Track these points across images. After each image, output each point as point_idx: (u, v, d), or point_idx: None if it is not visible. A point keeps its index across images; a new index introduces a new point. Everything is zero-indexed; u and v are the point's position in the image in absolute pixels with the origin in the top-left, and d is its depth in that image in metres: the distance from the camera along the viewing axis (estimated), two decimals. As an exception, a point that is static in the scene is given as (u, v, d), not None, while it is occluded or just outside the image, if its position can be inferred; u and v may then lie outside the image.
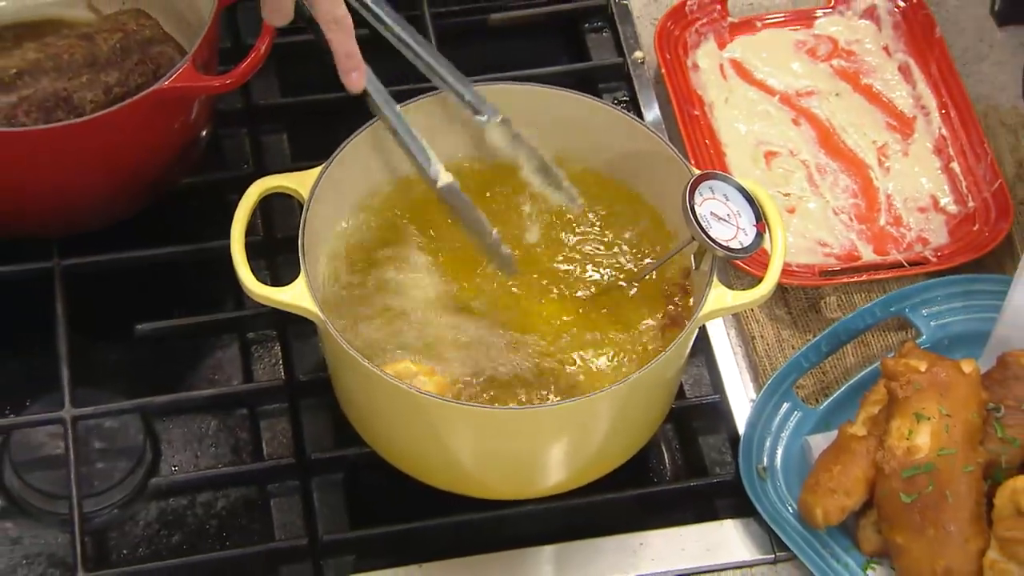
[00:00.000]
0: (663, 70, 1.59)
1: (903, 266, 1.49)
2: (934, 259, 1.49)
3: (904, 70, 1.63)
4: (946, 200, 1.55)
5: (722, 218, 1.28)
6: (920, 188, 1.56)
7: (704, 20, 1.64)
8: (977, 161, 1.55)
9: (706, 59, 1.63)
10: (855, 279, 1.48)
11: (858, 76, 1.63)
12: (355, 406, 1.35)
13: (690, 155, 1.53)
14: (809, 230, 1.53)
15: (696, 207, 1.27)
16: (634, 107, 1.61)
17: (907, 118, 1.60)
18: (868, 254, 1.52)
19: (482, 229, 1.32)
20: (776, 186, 1.55)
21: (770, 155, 1.58)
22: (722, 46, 1.64)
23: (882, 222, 1.54)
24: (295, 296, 1.25)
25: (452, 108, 1.37)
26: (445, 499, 1.34)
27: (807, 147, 1.59)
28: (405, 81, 1.55)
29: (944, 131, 1.58)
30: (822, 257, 1.51)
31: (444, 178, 1.31)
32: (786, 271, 1.46)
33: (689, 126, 1.56)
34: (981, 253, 1.48)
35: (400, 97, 1.36)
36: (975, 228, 1.51)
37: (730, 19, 1.65)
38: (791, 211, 1.53)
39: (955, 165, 1.56)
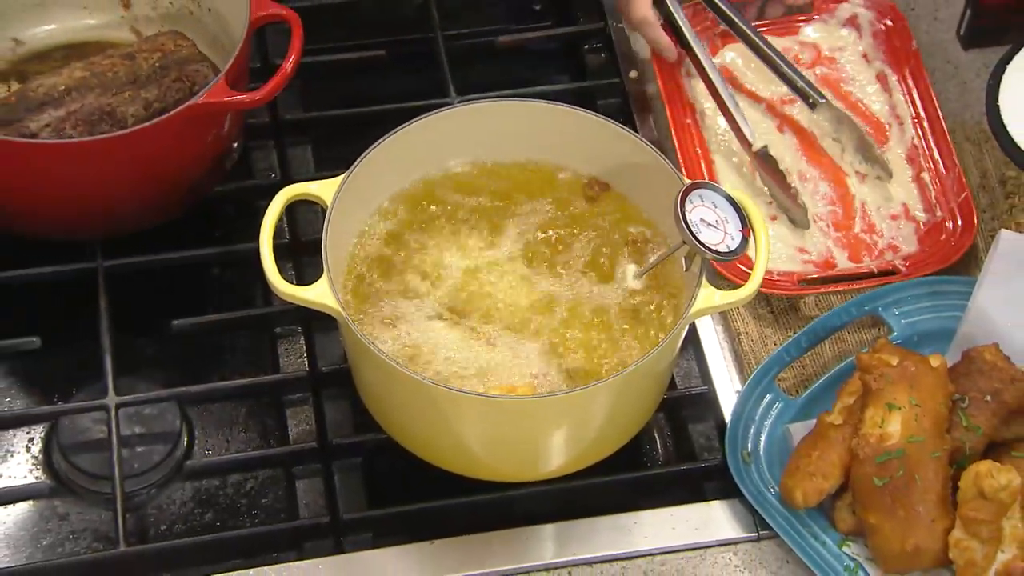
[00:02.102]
0: (659, 78, 1.58)
1: (875, 275, 1.48)
2: (904, 268, 1.49)
3: (882, 79, 1.61)
4: (916, 209, 1.55)
5: (711, 224, 1.28)
6: (892, 196, 1.56)
7: (697, 28, 1.60)
8: (946, 172, 1.54)
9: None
10: (831, 288, 1.47)
11: (839, 84, 1.62)
12: (373, 396, 1.35)
13: (681, 162, 1.52)
14: (789, 237, 1.52)
15: (687, 214, 1.27)
16: (629, 122, 1.61)
17: (882, 126, 1.59)
18: (843, 261, 1.51)
19: (784, 184, 1.50)
20: (760, 194, 1.55)
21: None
22: (713, 53, 1.61)
23: (857, 229, 1.53)
24: (318, 294, 1.25)
25: (459, 121, 1.37)
26: (456, 481, 1.34)
27: (790, 154, 1.57)
28: (417, 97, 1.56)
29: (916, 141, 1.57)
30: (801, 264, 1.50)
31: (758, 143, 1.52)
32: (768, 281, 1.45)
33: (681, 134, 1.55)
34: (947, 263, 1.47)
35: (413, 113, 1.36)
36: (942, 238, 1.51)
37: (719, 28, 1.62)
38: (773, 219, 1.53)
39: (925, 175, 1.55)
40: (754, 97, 1.61)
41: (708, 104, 1.59)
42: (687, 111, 1.58)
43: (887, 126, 1.60)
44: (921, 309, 1.45)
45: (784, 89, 1.59)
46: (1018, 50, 1.48)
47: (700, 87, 1.60)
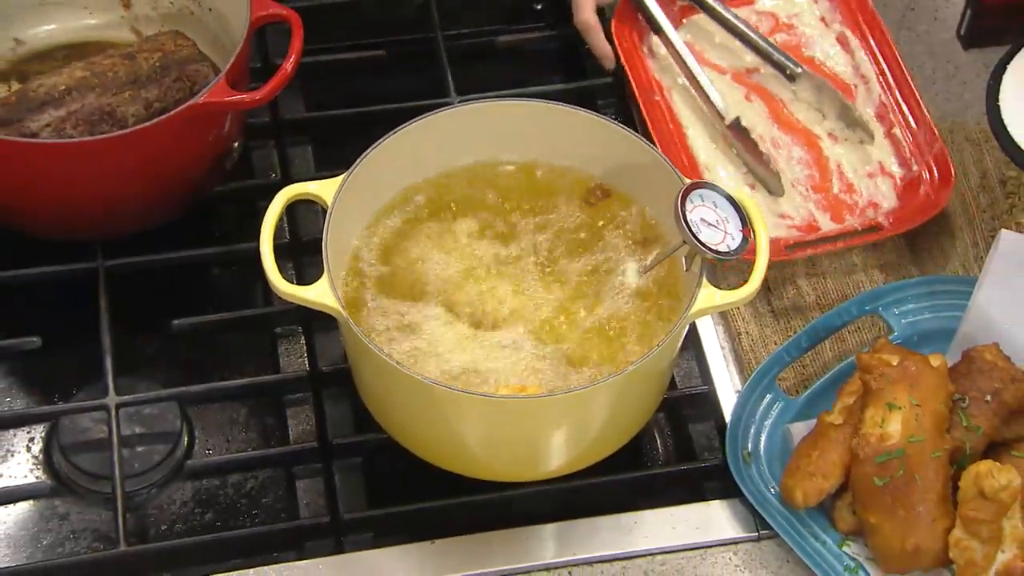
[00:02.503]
0: (622, 59, 1.57)
1: (859, 232, 1.48)
2: (887, 224, 1.48)
3: (842, 40, 1.61)
4: (892, 164, 1.54)
5: (711, 224, 1.27)
6: (866, 155, 1.55)
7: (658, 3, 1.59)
8: (917, 126, 1.54)
9: (660, 44, 1.59)
10: (819, 250, 1.47)
11: (800, 49, 1.61)
12: (373, 395, 1.35)
13: (655, 141, 1.51)
14: (771, 204, 1.51)
15: (687, 214, 1.26)
16: (629, 122, 1.60)
17: (848, 87, 1.58)
18: (826, 222, 1.50)
19: (756, 152, 1.50)
20: (736, 163, 1.54)
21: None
22: (675, 27, 1.60)
23: (835, 190, 1.53)
24: (319, 294, 1.25)
25: (459, 121, 1.37)
26: (456, 481, 1.34)
27: (762, 122, 1.56)
28: (418, 97, 1.56)
29: (884, 98, 1.57)
30: (785, 230, 1.50)
31: (730, 115, 1.53)
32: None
33: (651, 112, 1.54)
34: (929, 216, 1.48)
35: (413, 113, 1.36)
36: (921, 192, 1.50)
37: (679, 3, 1.62)
38: (752, 187, 1.52)
39: (897, 131, 1.55)
40: (718, 69, 1.60)
41: (673, 79, 1.58)
42: (655, 89, 1.57)
43: (853, 87, 1.59)
44: (921, 309, 1.45)
45: (748, 58, 1.59)
46: (1018, 50, 1.48)
47: (663, 63, 1.59)
